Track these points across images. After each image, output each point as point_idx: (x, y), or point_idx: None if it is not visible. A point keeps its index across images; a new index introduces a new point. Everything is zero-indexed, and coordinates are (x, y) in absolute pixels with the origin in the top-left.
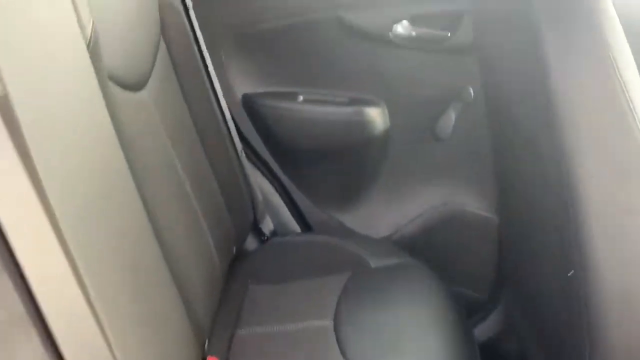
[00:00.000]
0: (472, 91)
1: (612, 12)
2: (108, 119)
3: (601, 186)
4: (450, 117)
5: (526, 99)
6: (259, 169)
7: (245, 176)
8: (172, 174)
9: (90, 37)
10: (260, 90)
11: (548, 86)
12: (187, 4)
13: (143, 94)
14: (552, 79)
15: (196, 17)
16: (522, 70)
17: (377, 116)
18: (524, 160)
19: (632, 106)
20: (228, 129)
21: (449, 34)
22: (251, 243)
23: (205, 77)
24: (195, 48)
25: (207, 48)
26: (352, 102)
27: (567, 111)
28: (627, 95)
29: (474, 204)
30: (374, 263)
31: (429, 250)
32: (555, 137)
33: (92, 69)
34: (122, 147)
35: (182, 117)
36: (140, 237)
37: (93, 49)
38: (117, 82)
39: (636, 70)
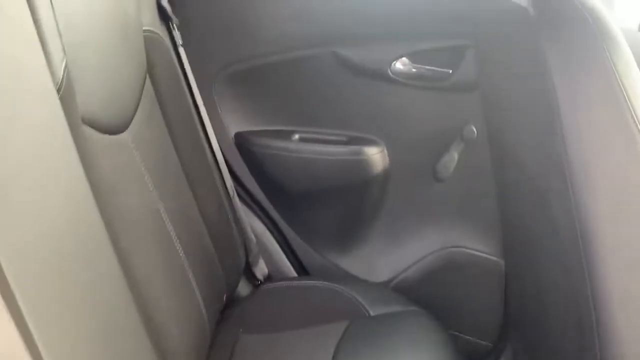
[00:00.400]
0: (474, 129)
1: (624, 45)
2: (79, 166)
3: (614, 228)
4: (452, 157)
5: (532, 138)
6: (252, 210)
7: (237, 218)
8: (154, 220)
9: (62, 80)
10: (254, 128)
11: (556, 124)
12: (177, 40)
13: (124, 136)
14: (560, 117)
15: (186, 53)
16: (528, 108)
17: (376, 155)
18: (530, 201)
19: None
20: (219, 169)
21: (451, 71)
22: (243, 288)
23: (195, 116)
24: (185, 85)
25: (198, 85)
26: (350, 141)
27: (577, 150)
28: None
29: (477, 246)
30: (373, 311)
31: (431, 296)
32: (563, 177)
33: (62, 115)
34: (97, 195)
35: (168, 159)
36: (113, 296)
37: (65, 93)
38: (94, 126)
39: None
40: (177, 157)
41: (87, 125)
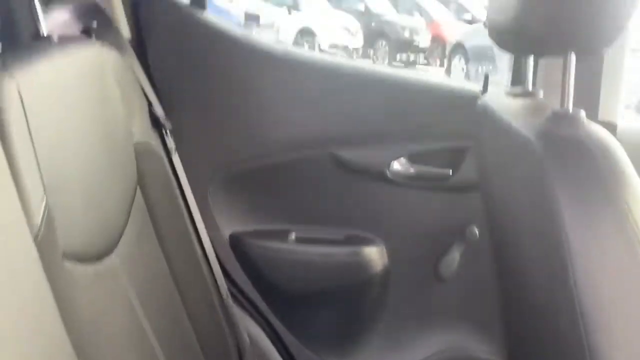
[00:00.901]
0: (477, 231)
1: (636, 182)
2: (53, 305)
3: (624, 345)
4: (454, 257)
5: (536, 250)
6: (247, 311)
7: (230, 322)
8: (138, 341)
9: (42, 222)
10: (249, 228)
11: (562, 242)
12: (169, 146)
13: (111, 259)
14: (563, 226)
15: (180, 157)
16: (531, 220)
17: (375, 256)
18: (533, 308)
19: None
20: (212, 272)
21: (451, 172)
22: None
23: (188, 221)
24: (177, 191)
25: (192, 188)
26: (349, 240)
27: (584, 270)
28: None
29: (481, 348)
30: None
31: None
32: (570, 292)
33: (38, 260)
34: (76, 329)
35: (158, 273)
36: None
37: (44, 235)
38: (77, 258)
39: None
40: (167, 268)
41: (68, 259)
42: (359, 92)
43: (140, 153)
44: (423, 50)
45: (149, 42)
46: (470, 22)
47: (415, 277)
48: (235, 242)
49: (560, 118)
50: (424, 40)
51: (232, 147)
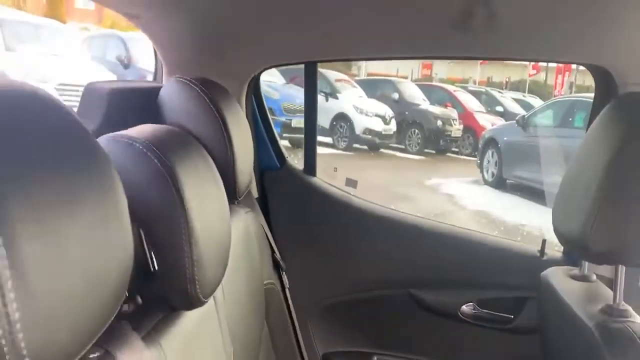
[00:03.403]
0: None
1: None
2: None
3: None
4: None
5: None
6: None
7: None
8: None
9: None
10: (340, 349)
11: None
12: (285, 284)
13: None
14: None
15: (290, 292)
16: None
17: None
18: None
19: None
20: None
21: (513, 317)
22: None
23: (294, 342)
24: (289, 319)
25: (297, 316)
26: None
27: None
28: None
29: None
30: None
31: None
32: None
33: None
34: None
35: None
36: None
37: None
38: None
39: None
40: None
41: None
42: (435, 245)
43: (268, 293)
44: (455, 140)
45: (271, 200)
46: (502, 114)
47: None
48: None
49: (614, 311)
50: (455, 130)
51: (329, 284)
